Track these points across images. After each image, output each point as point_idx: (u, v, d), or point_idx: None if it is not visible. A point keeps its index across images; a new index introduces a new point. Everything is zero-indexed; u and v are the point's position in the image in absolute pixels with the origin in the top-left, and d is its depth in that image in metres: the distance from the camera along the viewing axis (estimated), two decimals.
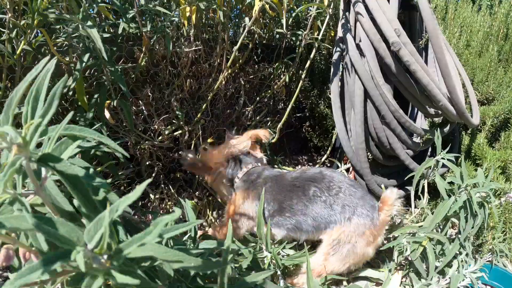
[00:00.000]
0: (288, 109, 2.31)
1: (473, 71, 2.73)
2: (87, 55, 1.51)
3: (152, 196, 2.31)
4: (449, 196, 1.78)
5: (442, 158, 1.98)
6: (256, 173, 1.91)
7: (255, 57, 2.71)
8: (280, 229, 1.81)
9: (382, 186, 2.16)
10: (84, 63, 1.52)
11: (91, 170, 1.01)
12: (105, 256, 0.55)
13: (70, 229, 0.55)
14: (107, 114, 1.75)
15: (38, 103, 0.86)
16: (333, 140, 2.79)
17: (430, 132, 2.19)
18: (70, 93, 1.71)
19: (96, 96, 1.70)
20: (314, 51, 2.15)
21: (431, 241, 1.76)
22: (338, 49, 2.16)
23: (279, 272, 1.52)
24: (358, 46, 2.02)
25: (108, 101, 1.78)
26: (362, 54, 2.00)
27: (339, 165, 2.62)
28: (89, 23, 1.40)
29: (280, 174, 1.90)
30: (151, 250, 0.59)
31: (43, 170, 0.73)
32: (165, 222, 0.57)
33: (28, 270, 0.51)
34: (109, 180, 1.60)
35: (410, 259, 1.82)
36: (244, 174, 1.92)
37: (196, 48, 2.10)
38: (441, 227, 1.88)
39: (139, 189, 0.58)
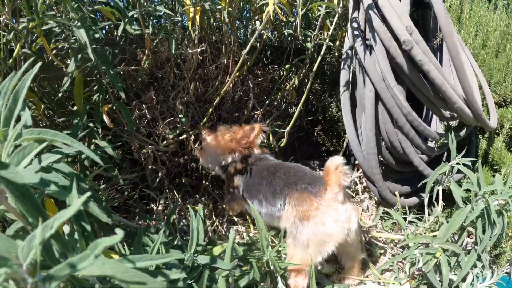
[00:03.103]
0: (297, 111, 2.22)
1: (490, 72, 2.61)
2: (79, 56, 1.45)
3: (158, 201, 2.26)
4: (465, 204, 1.67)
5: (457, 163, 1.88)
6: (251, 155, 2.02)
7: (264, 59, 2.64)
8: (248, 207, 1.90)
9: (396, 193, 2.07)
10: (75, 65, 1.46)
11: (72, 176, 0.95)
12: (40, 276, 0.49)
13: (9, 244, 0.49)
14: (106, 118, 1.70)
15: (17, 104, 0.81)
16: (345, 144, 2.69)
17: (445, 136, 2.08)
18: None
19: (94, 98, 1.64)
20: (323, 51, 2.07)
21: (445, 252, 1.66)
22: (347, 49, 2.07)
23: (279, 278, 1.44)
24: (368, 46, 1.93)
25: (107, 105, 1.72)
26: (372, 53, 1.91)
27: (352, 171, 2.52)
28: (78, 23, 1.34)
29: (264, 157, 2.00)
30: (109, 268, 0.52)
31: None
32: (103, 246, 0.50)
33: None
34: (102, 185, 1.54)
35: (423, 270, 1.72)
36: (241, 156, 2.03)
37: (201, 48, 2.03)
38: (455, 238, 1.77)
39: (75, 205, 0.51)
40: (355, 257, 1.82)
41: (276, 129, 2.54)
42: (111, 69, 1.53)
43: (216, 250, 1.31)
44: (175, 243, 1.15)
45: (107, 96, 1.81)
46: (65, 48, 1.75)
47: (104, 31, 2.28)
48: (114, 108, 1.76)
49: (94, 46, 1.63)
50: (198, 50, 2.08)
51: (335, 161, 1.55)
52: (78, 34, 1.34)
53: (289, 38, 2.89)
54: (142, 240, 0.97)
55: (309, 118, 3.18)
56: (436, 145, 2.21)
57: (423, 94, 1.91)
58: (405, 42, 1.71)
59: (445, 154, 2.44)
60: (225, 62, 2.27)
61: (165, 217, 2.18)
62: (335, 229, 1.56)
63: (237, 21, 2.34)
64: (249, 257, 1.31)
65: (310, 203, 1.57)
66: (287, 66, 2.62)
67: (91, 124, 1.64)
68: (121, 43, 2.00)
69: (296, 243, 1.60)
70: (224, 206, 2.29)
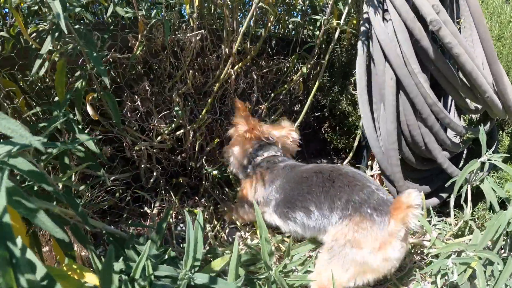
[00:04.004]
0: (307, 103, 2.03)
1: (508, 64, 2.43)
2: (56, 34, 1.24)
3: (153, 203, 2.05)
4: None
5: (489, 160, 1.66)
6: (276, 160, 1.80)
7: (269, 50, 2.43)
8: (284, 222, 1.66)
9: (421, 193, 1.85)
10: (51, 44, 1.25)
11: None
12: None
13: None
14: (89, 109, 1.49)
15: None
16: (356, 141, 2.48)
17: (471, 130, 1.87)
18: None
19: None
20: (337, 34, 1.87)
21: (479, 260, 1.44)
22: (363, 33, 1.85)
23: None
24: (388, 28, 1.72)
25: (91, 93, 1.52)
26: (393, 36, 1.70)
27: (366, 170, 2.31)
28: None
29: (296, 164, 1.76)
30: None
31: None
32: None
33: None
34: (82, 186, 1.33)
35: (452, 281, 1.51)
36: (263, 159, 1.81)
37: (199, 32, 1.82)
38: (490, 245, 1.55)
39: None
40: None
41: None
42: (94, 51, 1.32)
43: (217, 264, 1.08)
44: (166, 256, 0.93)
45: (95, 86, 1.60)
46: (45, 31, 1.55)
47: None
48: (99, 97, 1.54)
49: (77, 26, 1.43)
50: (198, 37, 1.87)
51: (412, 200, 1.35)
52: (52, 6, 1.13)
53: (293, 32, 2.71)
54: (112, 263, 0.76)
55: (316, 114, 2.97)
56: (460, 140, 2.00)
57: (449, 82, 1.70)
58: (432, 22, 1.50)
59: (465, 152, 2.25)
60: (227, 52, 2.06)
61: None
62: (384, 267, 1.41)
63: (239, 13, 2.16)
64: (254, 277, 1.10)
65: (370, 233, 1.38)
66: (293, 56, 2.41)
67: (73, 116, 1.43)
68: (112, 27, 1.81)
69: (332, 260, 1.42)
70: (226, 209, 2.07)
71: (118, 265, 0.85)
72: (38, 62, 1.29)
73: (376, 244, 1.37)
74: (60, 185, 1.11)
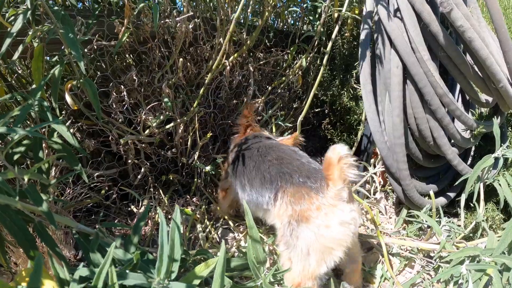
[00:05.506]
0: (312, 93, 1.89)
1: None
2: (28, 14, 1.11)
3: (141, 201, 1.92)
4: None
5: (504, 155, 1.54)
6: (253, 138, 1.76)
7: (266, 42, 2.31)
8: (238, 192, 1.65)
9: (431, 193, 1.72)
10: (22, 24, 1.12)
11: None
12: None
13: None
14: (68, 98, 1.36)
15: None
16: (359, 137, 2.35)
17: (483, 123, 1.74)
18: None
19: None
20: (339, 21, 1.73)
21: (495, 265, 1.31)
22: (367, 16, 1.72)
23: None
24: (393, 11, 1.59)
25: (71, 81, 1.39)
26: (399, 21, 1.57)
27: (368, 167, 2.18)
28: None
29: (258, 138, 1.73)
30: None
31: None
32: None
33: None
34: (53, 181, 1.20)
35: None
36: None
37: (189, 14, 1.70)
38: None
39: None
40: (356, 259, 1.51)
41: (280, 123, 2.20)
42: (71, 33, 1.19)
43: (201, 270, 0.93)
44: (135, 261, 0.80)
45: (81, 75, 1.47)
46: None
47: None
48: (79, 86, 1.41)
49: (56, 8, 1.31)
50: (191, 25, 1.75)
51: (338, 151, 1.25)
52: None
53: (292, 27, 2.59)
54: (39, 275, 0.63)
55: (316, 110, 2.84)
56: (470, 135, 1.87)
57: (460, 72, 1.57)
58: (443, 3, 1.37)
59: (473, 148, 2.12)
60: (222, 42, 1.93)
61: (150, 222, 1.84)
62: (342, 233, 1.27)
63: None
64: (241, 286, 0.96)
65: (309, 201, 1.27)
66: (292, 48, 2.28)
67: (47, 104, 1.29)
68: (98, 13, 1.68)
69: (291, 250, 1.30)
70: (219, 208, 1.95)
71: (81, 272, 0.72)
72: (8, 41, 1.15)
73: (321, 211, 1.26)
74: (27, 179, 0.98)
